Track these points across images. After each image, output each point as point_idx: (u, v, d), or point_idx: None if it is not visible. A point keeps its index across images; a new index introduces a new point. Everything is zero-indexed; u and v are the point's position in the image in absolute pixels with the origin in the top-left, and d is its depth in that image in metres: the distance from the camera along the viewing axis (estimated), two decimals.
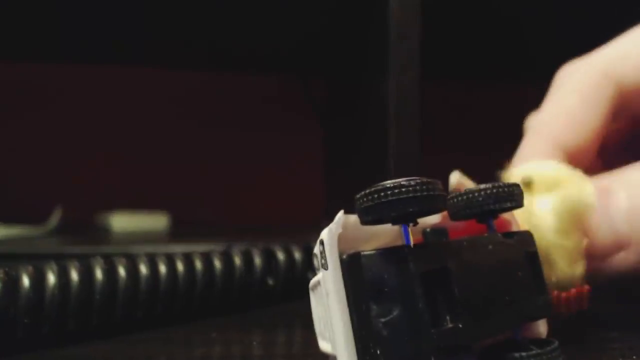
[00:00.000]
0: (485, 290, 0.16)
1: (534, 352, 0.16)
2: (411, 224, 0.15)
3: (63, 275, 0.22)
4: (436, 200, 0.15)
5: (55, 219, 0.70)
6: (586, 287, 0.21)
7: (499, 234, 0.18)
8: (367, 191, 0.15)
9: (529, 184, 0.22)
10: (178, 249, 0.29)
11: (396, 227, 0.16)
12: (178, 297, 0.26)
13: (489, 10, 0.65)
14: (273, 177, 0.88)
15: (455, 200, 0.18)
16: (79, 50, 0.77)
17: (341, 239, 0.16)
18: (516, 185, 0.18)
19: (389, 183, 0.15)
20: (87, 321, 0.23)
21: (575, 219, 0.21)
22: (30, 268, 0.22)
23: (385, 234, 0.17)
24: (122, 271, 0.24)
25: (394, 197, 0.15)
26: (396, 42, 0.52)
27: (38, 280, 0.22)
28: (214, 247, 0.30)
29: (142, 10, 0.63)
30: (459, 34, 0.72)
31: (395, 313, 0.14)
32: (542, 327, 0.19)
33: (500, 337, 0.17)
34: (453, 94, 0.90)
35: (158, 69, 0.84)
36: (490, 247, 0.17)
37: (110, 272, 0.24)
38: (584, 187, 0.22)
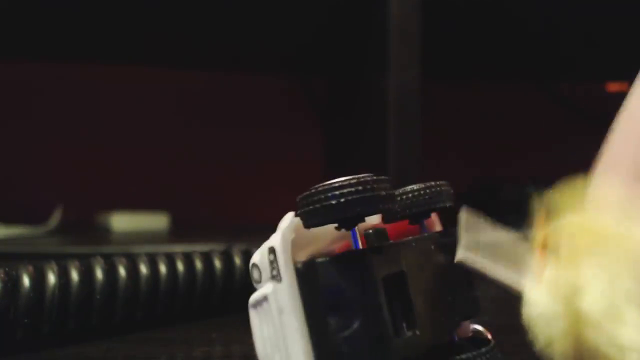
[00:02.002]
0: (434, 293, 0.16)
1: (475, 352, 0.16)
2: (356, 226, 0.14)
3: (63, 275, 0.22)
4: (384, 199, 0.14)
5: (55, 219, 0.70)
6: None
7: (437, 234, 0.17)
8: (309, 192, 0.14)
9: (555, 249, 0.15)
10: (178, 249, 0.29)
11: (332, 229, 0.14)
12: (178, 297, 0.26)
13: (489, 9, 0.65)
14: (273, 176, 0.87)
15: None
16: (80, 50, 0.77)
17: (296, 237, 0.14)
18: (447, 185, 0.17)
19: (333, 182, 0.14)
20: (87, 321, 0.23)
21: (630, 301, 0.14)
22: (30, 268, 0.22)
23: (324, 237, 0.15)
24: (122, 271, 0.24)
25: (340, 199, 0.13)
26: (396, 41, 0.52)
27: (38, 280, 0.22)
28: (214, 247, 0.30)
29: (142, 10, 0.63)
30: (459, 33, 0.72)
31: (355, 325, 0.13)
32: (468, 326, 0.18)
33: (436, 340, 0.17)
34: (453, 93, 0.90)
35: (159, 69, 0.84)
36: (432, 246, 0.16)
37: (110, 272, 0.24)
38: None
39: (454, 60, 0.82)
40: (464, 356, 0.15)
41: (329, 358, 0.13)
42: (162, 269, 0.26)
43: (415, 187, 0.17)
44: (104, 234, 0.66)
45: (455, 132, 0.90)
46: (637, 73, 0.20)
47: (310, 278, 0.14)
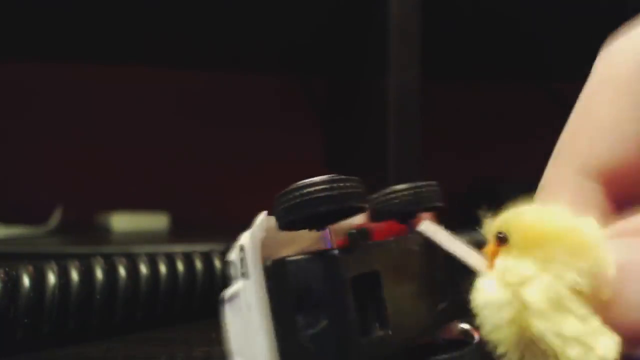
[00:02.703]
0: (412, 293, 0.15)
1: (451, 354, 0.16)
2: (330, 226, 0.14)
3: (63, 275, 0.22)
4: (349, 198, 0.14)
5: (55, 219, 0.70)
6: None
7: (422, 234, 0.17)
8: (282, 192, 0.14)
9: (504, 239, 0.16)
10: (178, 249, 0.29)
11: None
12: (178, 297, 0.26)
13: (489, 9, 0.65)
14: (273, 176, 0.87)
15: (375, 201, 0.17)
16: (80, 50, 0.77)
17: (261, 244, 0.14)
18: (436, 185, 0.17)
19: (299, 183, 0.14)
20: (87, 321, 0.23)
21: (575, 297, 0.14)
22: (30, 268, 0.22)
23: (308, 236, 0.15)
24: (122, 271, 0.24)
25: (303, 198, 0.13)
26: (396, 41, 0.52)
27: (38, 280, 0.22)
28: (214, 247, 0.30)
29: (142, 10, 0.63)
30: (459, 34, 0.72)
31: (323, 324, 0.13)
32: (455, 327, 0.18)
33: (420, 340, 0.16)
34: (453, 93, 0.90)
35: (159, 69, 0.84)
36: (415, 247, 0.16)
37: (110, 272, 0.24)
38: (594, 244, 0.14)
39: (454, 60, 0.82)
40: (439, 357, 0.15)
41: (295, 355, 0.13)
42: (162, 269, 0.26)
43: (401, 187, 0.17)
44: (104, 234, 0.66)
45: (455, 132, 0.90)
46: None
47: (280, 276, 0.14)
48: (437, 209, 0.17)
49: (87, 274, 0.23)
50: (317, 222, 0.14)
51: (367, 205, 0.14)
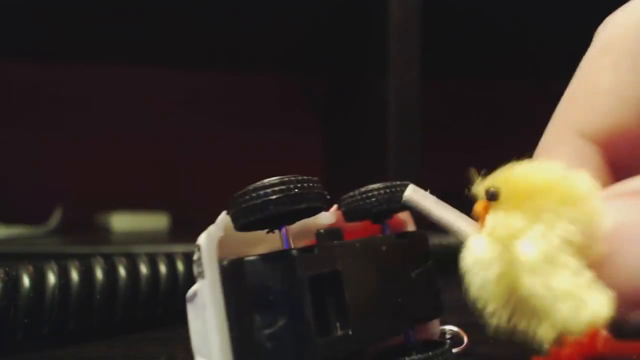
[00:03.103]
0: (378, 294, 0.15)
1: (422, 355, 0.16)
2: (285, 227, 0.14)
3: (63, 275, 0.22)
4: (302, 199, 0.14)
5: (55, 219, 0.70)
6: (601, 334, 0.13)
7: (393, 235, 0.17)
8: (237, 194, 0.14)
9: (494, 195, 0.15)
10: (178, 249, 0.29)
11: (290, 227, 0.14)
12: (178, 297, 0.26)
13: (488, 10, 0.65)
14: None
15: (349, 200, 0.17)
16: (80, 50, 0.77)
17: (225, 244, 0.14)
18: (408, 184, 0.17)
19: (255, 184, 0.14)
20: (87, 321, 0.23)
21: (567, 249, 0.14)
22: (30, 268, 0.22)
23: (274, 236, 0.15)
24: (122, 271, 0.24)
25: (255, 200, 0.13)
26: (396, 41, 0.52)
27: (38, 280, 0.22)
28: None
29: (142, 10, 0.63)
30: (459, 34, 0.72)
31: (280, 323, 0.13)
32: (435, 328, 0.18)
33: (394, 340, 0.17)
34: (454, 92, 0.90)
35: (158, 69, 0.84)
36: (383, 248, 0.16)
37: (110, 272, 0.24)
38: (585, 194, 0.14)
39: (455, 59, 0.82)
40: (405, 359, 0.15)
41: (252, 354, 0.13)
42: (162, 269, 0.26)
43: (375, 186, 0.17)
44: (104, 234, 0.66)
45: (456, 132, 0.90)
46: None
47: (237, 276, 0.14)
48: (408, 209, 0.17)
49: (87, 274, 0.23)
50: (272, 223, 0.14)
51: (323, 205, 0.14)
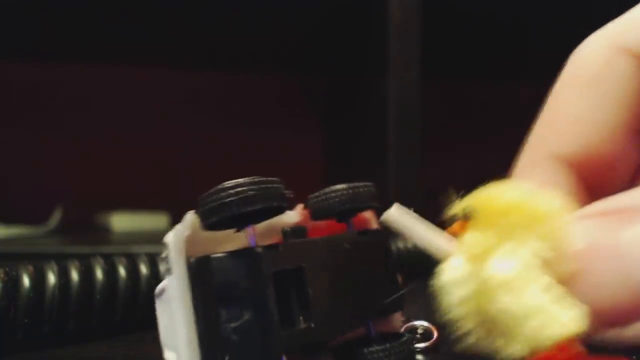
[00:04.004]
0: (340, 288, 0.16)
1: (380, 346, 0.16)
2: (252, 226, 0.15)
3: (63, 275, 0.22)
4: (255, 200, 0.14)
5: (55, 219, 0.70)
6: (573, 348, 0.14)
7: (355, 232, 0.18)
8: (203, 195, 0.15)
9: (469, 216, 0.16)
10: None
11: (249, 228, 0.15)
12: None
13: (488, 10, 0.65)
14: (273, 176, 0.87)
15: (314, 200, 0.18)
16: (80, 50, 0.77)
17: (193, 243, 0.15)
18: (372, 186, 0.18)
19: (220, 185, 0.15)
20: (87, 321, 0.23)
21: (537, 266, 0.14)
22: (30, 268, 0.22)
23: (242, 235, 0.16)
24: (122, 271, 0.24)
25: (221, 201, 0.14)
26: (396, 41, 0.52)
27: (38, 280, 0.22)
28: None
29: (142, 10, 0.63)
30: (459, 33, 0.72)
31: (245, 317, 0.14)
32: (397, 321, 0.19)
33: (356, 333, 0.17)
34: (454, 92, 0.90)
35: (159, 69, 0.84)
36: (346, 245, 0.17)
37: (111, 272, 0.24)
38: (554, 215, 0.14)
39: (455, 59, 0.82)
40: (365, 350, 0.16)
41: (217, 346, 0.14)
42: (162, 268, 0.26)
43: (339, 186, 0.18)
44: (104, 234, 0.66)
45: (455, 132, 0.90)
46: None
47: (204, 272, 0.14)
48: (373, 208, 0.18)
49: (87, 274, 0.23)
50: (236, 222, 0.15)
51: (282, 205, 0.15)
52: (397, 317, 0.19)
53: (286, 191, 0.15)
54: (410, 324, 0.22)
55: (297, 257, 0.15)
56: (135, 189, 0.81)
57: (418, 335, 0.20)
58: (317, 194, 0.18)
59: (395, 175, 0.52)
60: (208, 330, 0.14)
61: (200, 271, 0.14)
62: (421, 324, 0.21)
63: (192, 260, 0.15)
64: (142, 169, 0.84)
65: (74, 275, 0.23)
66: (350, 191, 0.18)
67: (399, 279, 0.19)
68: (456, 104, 0.91)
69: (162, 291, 0.16)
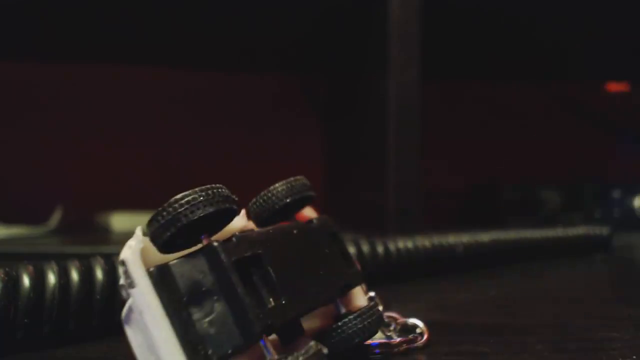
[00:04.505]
0: (300, 268, 0.17)
1: (352, 315, 0.18)
2: (205, 235, 0.15)
3: (63, 276, 0.22)
4: (206, 204, 0.15)
5: (55, 219, 0.70)
6: None
7: (301, 222, 0.19)
8: (151, 217, 0.15)
9: None
10: None
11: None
12: None
13: (488, 10, 0.65)
14: (273, 176, 0.87)
15: (254, 207, 0.19)
16: (80, 50, 0.77)
17: (148, 258, 0.15)
18: (304, 179, 0.19)
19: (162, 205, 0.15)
20: (87, 321, 0.23)
21: None
22: (30, 268, 0.22)
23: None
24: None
25: (167, 216, 0.15)
26: (396, 41, 0.52)
27: (38, 280, 0.22)
28: None
29: (142, 10, 0.63)
30: (459, 33, 0.72)
31: (218, 309, 0.14)
32: (362, 299, 0.20)
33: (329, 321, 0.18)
34: (453, 92, 0.90)
35: (159, 69, 0.84)
36: (295, 231, 0.18)
37: (110, 272, 0.24)
38: None
39: (456, 60, 0.82)
40: (339, 323, 0.17)
41: (197, 342, 0.14)
42: None
43: (274, 185, 0.19)
44: (104, 234, 0.66)
45: (456, 132, 0.90)
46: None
47: (167, 279, 0.15)
48: (310, 198, 0.19)
49: (87, 274, 0.23)
50: (191, 233, 0.15)
51: (235, 207, 0.16)
52: (360, 292, 0.20)
53: (233, 195, 0.16)
54: (403, 320, 0.22)
55: (253, 246, 0.16)
56: (135, 189, 0.81)
57: (413, 335, 0.21)
58: (255, 198, 0.19)
59: (395, 175, 0.52)
60: (184, 331, 0.14)
61: (162, 279, 0.15)
62: (414, 322, 0.22)
63: (151, 269, 0.15)
64: (142, 169, 0.84)
65: (74, 276, 0.23)
66: (285, 185, 0.19)
67: (352, 258, 0.20)
68: (457, 103, 0.91)
69: (129, 311, 0.15)
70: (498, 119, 0.92)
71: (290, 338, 0.17)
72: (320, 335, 0.18)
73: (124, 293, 0.15)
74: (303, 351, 0.15)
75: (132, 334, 0.16)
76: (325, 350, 0.15)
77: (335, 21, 0.66)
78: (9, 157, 0.81)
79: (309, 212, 0.21)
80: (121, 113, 0.85)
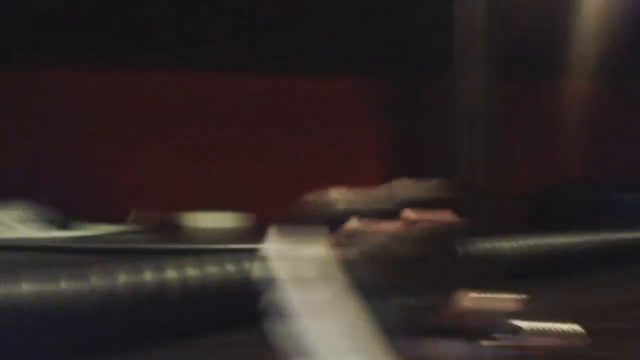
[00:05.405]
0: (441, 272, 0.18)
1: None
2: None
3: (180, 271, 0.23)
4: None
5: (137, 218, 0.74)
6: None
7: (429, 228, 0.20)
8: (313, 203, 0.17)
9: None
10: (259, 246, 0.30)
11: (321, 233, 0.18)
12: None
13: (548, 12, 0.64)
14: (341, 176, 0.87)
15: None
16: (157, 59, 0.81)
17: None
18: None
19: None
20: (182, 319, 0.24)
21: None
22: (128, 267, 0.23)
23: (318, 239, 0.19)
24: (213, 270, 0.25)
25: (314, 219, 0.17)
26: (464, 43, 0.53)
27: (136, 279, 0.23)
28: None
29: (221, 17, 0.65)
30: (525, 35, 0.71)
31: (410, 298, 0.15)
32: (466, 298, 0.20)
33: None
34: (520, 93, 0.89)
35: (232, 76, 0.87)
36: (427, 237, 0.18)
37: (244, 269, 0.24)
38: None
39: (530, 60, 0.81)
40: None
41: (389, 324, 0.15)
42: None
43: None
44: (185, 232, 0.68)
45: (527, 130, 0.88)
46: None
47: (371, 267, 0.16)
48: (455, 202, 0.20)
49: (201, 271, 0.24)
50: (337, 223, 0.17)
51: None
52: (465, 295, 0.21)
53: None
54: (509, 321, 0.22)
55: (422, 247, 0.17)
56: (216, 190, 0.85)
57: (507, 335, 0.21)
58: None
59: (464, 174, 0.53)
60: (377, 314, 0.16)
61: (368, 266, 0.16)
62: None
63: (350, 261, 0.16)
64: (213, 172, 0.88)
65: (192, 271, 0.24)
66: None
67: (468, 269, 0.21)
68: (530, 103, 0.90)
69: (301, 306, 0.16)
70: (575, 120, 0.90)
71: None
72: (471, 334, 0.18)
73: (314, 275, 0.16)
74: None
75: (308, 327, 0.17)
76: None
77: (406, 27, 0.67)
78: (92, 161, 0.86)
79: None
80: (194, 120, 0.89)
